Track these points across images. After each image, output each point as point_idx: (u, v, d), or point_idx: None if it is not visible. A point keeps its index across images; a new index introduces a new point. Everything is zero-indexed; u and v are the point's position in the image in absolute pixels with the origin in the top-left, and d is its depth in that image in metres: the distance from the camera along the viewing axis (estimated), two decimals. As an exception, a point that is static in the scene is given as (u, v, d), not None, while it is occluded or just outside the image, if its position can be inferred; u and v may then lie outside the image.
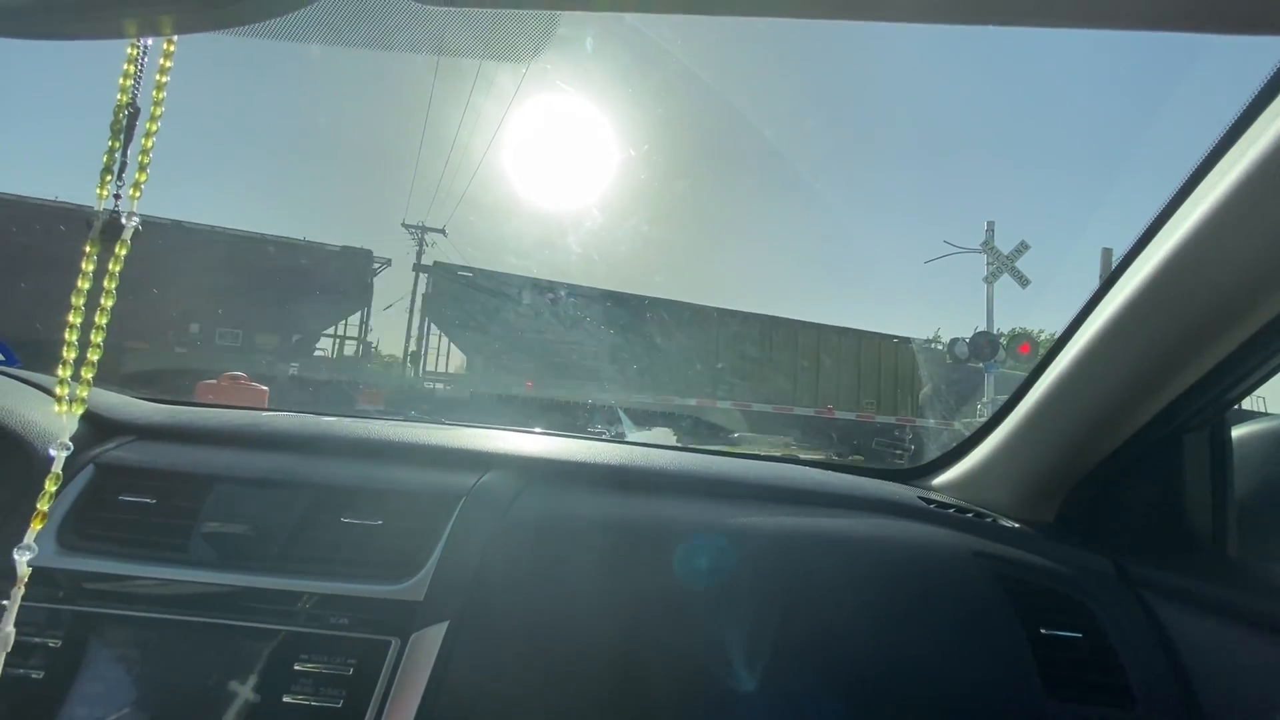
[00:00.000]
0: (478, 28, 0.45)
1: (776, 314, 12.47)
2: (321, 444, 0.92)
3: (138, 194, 0.46)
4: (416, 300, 12.15)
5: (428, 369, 12.11)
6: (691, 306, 12.06)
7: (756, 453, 1.33)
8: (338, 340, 12.57)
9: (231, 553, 0.76)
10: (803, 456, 1.67)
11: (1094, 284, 0.81)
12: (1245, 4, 0.36)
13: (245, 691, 0.67)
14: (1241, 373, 0.75)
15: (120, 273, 0.46)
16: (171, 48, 0.46)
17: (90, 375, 0.46)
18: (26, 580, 0.44)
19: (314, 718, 0.66)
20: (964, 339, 8.40)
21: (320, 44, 0.46)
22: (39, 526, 0.45)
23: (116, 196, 0.46)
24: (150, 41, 0.45)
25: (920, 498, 0.98)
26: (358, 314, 12.31)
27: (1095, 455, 0.89)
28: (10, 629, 0.45)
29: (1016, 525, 0.94)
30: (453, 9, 0.39)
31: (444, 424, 1.07)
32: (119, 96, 0.46)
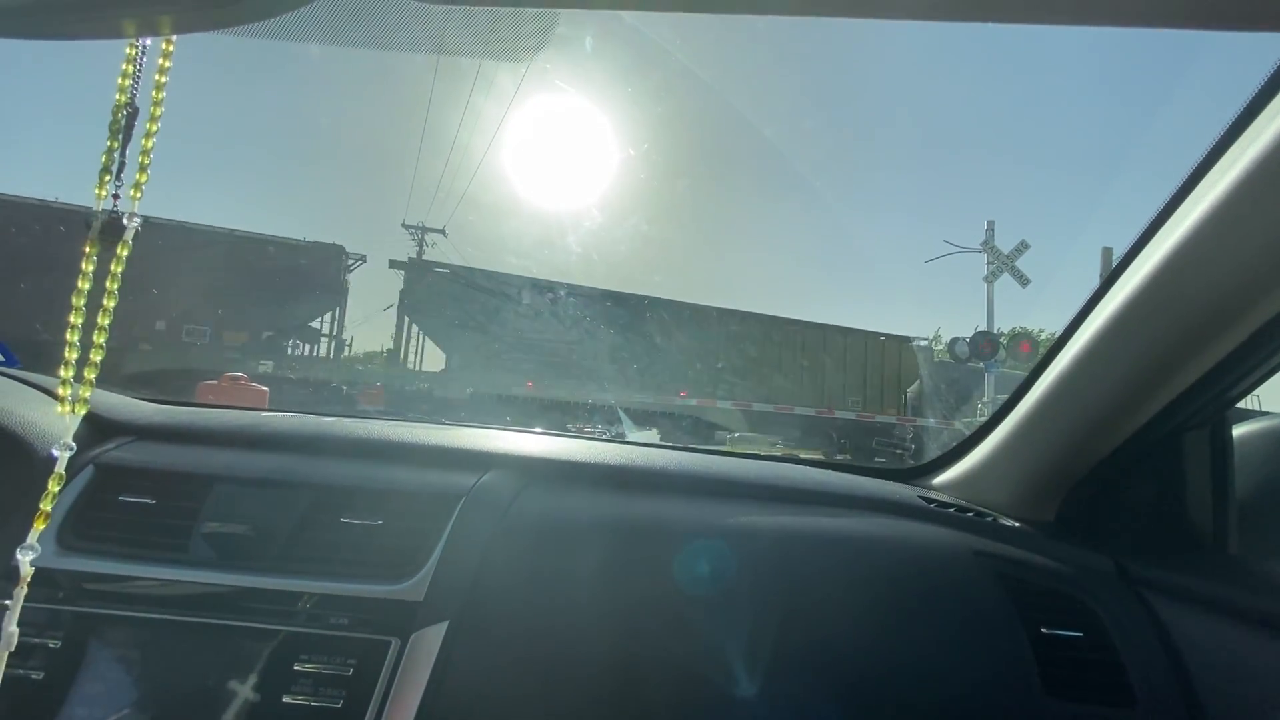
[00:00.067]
0: (477, 27, 0.45)
1: (776, 314, 12.50)
2: (321, 444, 0.92)
3: (138, 194, 0.46)
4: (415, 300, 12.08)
5: (409, 368, 11.90)
6: (691, 306, 12.05)
7: (756, 452, 1.33)
8: (329, 339, 12.36)
9: (231, 553, 0.76)
10: (803, 456, 1.67)
11: (1094, 283, 0.82)
12: (1244, 0, 0.35)
13: (245, 692, 0.67)
14: (1242, 371, 0.75)
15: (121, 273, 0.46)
16: (171, 48, 0.46)
17: (93, 376, 0.46)
18: (29, 580, 0.44)
19: (314, 718, 0.66)
20: (964, 338, 8.41)
21: (320, 43, 0.46)
22: (42, 527, 0.45)
23: (115, 197, 0.46)
24: (149, 41, 0.45)
25: (921, 497, 0.98)
26: (329, 312, 11.98)
27: (1096, 454, 0.89)
28: (14, 629, 0.45)
29: (1017, 524, 0.94)
30: (452, 8, 0.39)
31: (444, 424, 1.07)
32: (118, 96, 0.45)
